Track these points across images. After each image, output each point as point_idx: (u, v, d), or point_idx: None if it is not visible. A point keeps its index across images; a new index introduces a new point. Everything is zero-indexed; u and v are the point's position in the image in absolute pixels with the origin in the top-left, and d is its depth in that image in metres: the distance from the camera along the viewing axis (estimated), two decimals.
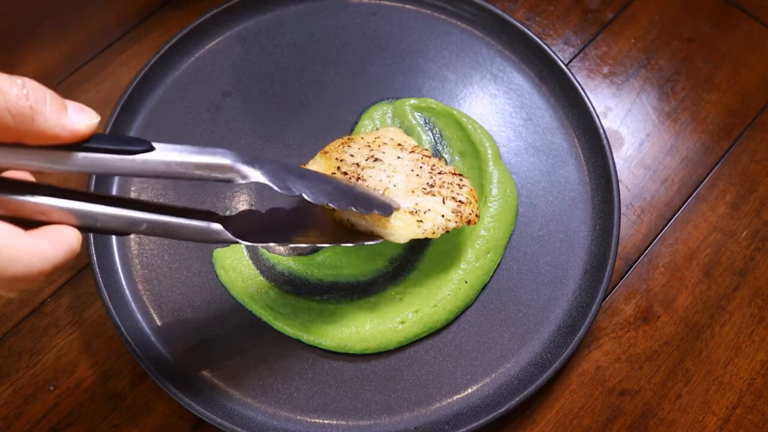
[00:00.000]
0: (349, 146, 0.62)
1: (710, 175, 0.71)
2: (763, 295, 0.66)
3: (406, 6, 0.75)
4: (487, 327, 0.62)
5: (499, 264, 0.64)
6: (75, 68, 0.74)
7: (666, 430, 0.60)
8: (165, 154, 0.40)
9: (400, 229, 0.56)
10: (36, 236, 0.37)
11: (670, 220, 0.69)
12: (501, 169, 0.67)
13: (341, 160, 0.60)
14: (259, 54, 0.73)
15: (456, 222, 0.57)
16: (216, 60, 0.73)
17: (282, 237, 0.51)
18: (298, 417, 0.59)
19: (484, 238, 0.64)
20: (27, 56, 0.74)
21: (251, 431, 0.56)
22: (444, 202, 0.57)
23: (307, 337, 0.60)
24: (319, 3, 0.75)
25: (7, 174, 0.41)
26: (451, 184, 0.59)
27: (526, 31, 0.72)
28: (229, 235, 0.44)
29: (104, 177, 0.66)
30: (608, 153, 0.66)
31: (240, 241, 0.45)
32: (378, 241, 0.56)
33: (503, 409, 0.57)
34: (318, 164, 0.61)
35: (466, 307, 0.62)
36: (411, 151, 0.62)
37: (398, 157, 0.61)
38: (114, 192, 0.67)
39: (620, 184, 0.69)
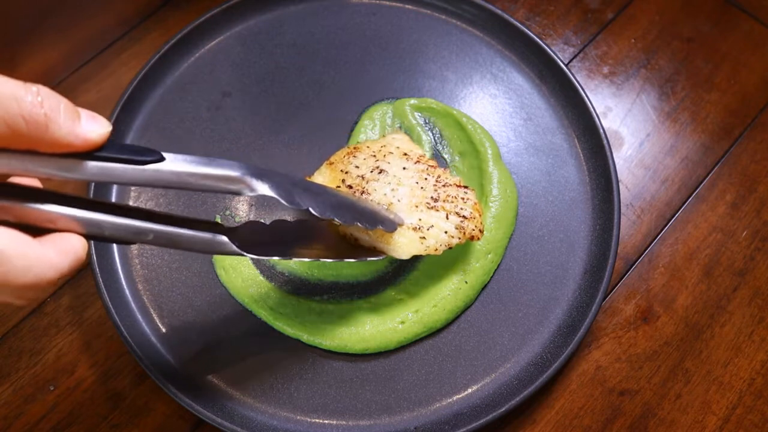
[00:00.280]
0: (354, 156, 0.62)
1: (710, 175, 0.71)
2: (763, 295, 0.66)
3: (406, 6, 0.75)
4: (487, 327, 0.62)
5: (499, 264, 0.64)
6: (75, 68, 0.74)
7: (666, 430, 0.60)
8: (175, 164, 0.40)
9: (403, 246, 0.56)
10: (44, 244, 0.38)
11: (670, 220, 0.69)
12: (501, 169, 0.67)
13: (346, 173, 0.60)
14: (259, 54, 0.73)
15: (459, 238, 0.58)
16: (216, 60, 0.73)
17: (286, 250, 0.51)
18: (298, 417, 0.59)
19: (485, 238, 0.64)
20: (28, 56, 0.74)
21: (251, 431, 0.56)
22: (447, 218, 0.58)
23: (307, 337, 0.60)
24: (319, 3, 0.75)
25: (14, 180, 0.41)
26: (455, 198, 0.59)
27: (526, 31, 0.72)
28: (234, 248, 0.45)
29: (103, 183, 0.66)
30: (608, 153, 0.66)
31: (245, 253, 0.45)
32: (380, 257, 0.57)
33: (503, 409, 0.57)
34: (323, 175, 0.61)
35: (466, 307, 0.62)
36: (416, 161, 0.62)
37: (403, 168, 0.61)
38: (114, 194, 0.67)
39: (620, 184, 0.69)
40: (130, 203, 0.66)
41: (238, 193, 0.43)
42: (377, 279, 0.63)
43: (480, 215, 0.59)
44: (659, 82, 0.76)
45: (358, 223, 0.51)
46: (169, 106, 0.70)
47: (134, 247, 0.64)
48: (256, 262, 0.64)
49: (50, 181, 0.39)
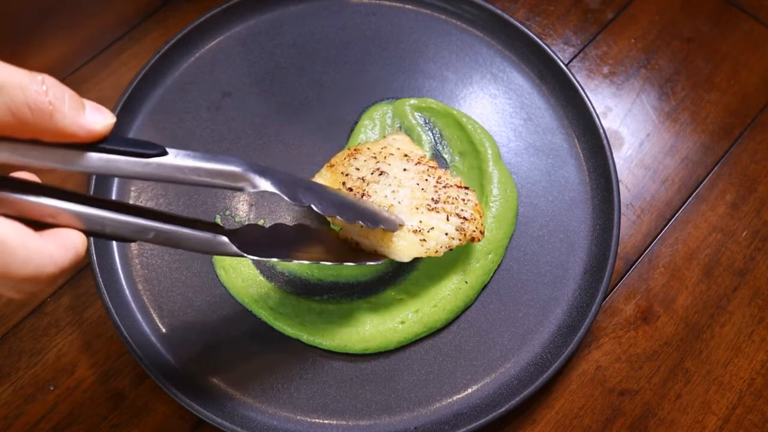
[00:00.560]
0: (355, 158, 0.62)
1: (710, 175, 0.71)
2: (763, 295, 0.66)
3: (406, 6, 0.75)
4: (487, 327, 0.62)
5: (499, 264, 0.64)
6: (75, 68, 0.74)
7: (666, 430, 0.60)
8: (178, 159, 0.41)
9: (404, 248, 0.56)
10: (45, 238, 0.38)
11: (670, 220, 0.69)
12: (501, 169, 0.67)
13: (346, 175, 0.60)
14: (259, 54, 0.73)
15: (459, 240, 0.58)
16: (216, 60, 0.73)
17: (286, 252, 0.51)
18: (298, 417, 0.59)
19: (486, 238, 0.64)
20: (28, 56, 0.74)
21: (251, 431, 0.56)
22: (448, 219, 0.58)
23: (307, 337, 0.60)
24: (319, 3, 0.75)
25: (14, 175, 0.41)
26: (456, 199, 0.59)
27: (526, 31, 0.72)
28: (234, 248, 0.45)
29: (106, 176, 0.66)
30: (608, 153, 0.66)
31: (245, 254, 0.45)
32: (380, 262, 0.57)
33: (503, 409, 0.57)
34: (324, 177, 0.61)
35: (466, 307, 0.62)
36: (417, 163, 0.62)
37: (404, 170, 0.61)
38: (114, 190, 0.67)
39: (620, 184, 0.69)
40: (131, 202, 0.66)
41: (240, 189, 0.42)
42: (377, 279, 0.63)
43: (481, 216, 0.59)
44: (659, 82, 0.76)
45: (360, 222, 0.51)
46: (169, 106, 0.70)
47: (134, 247, 0.64)
48: (256, 263, 0.64)
49: (53, 173, 0.39)
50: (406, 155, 0.63)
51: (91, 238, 0.61)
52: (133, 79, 0.69)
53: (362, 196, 0.58)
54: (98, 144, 0.39)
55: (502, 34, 0.73)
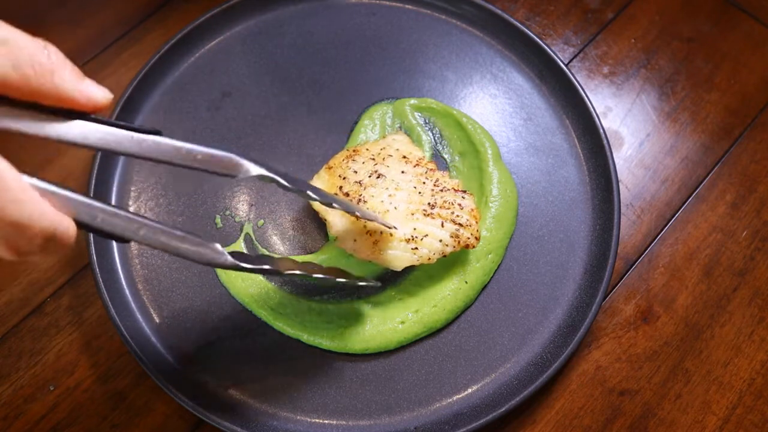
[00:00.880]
0: (353, 160, 0.62)
1: (710, 175, 0.71)
2: (763, 295, 0.66)
3: (406, 6, 0.75)
4: (487, 327, 0.62)
5: (499, 264, 0.64)
6: None
7: (666, 430, 0.60)
8: (174, 141, 0.41)
9: (396, 258, 0.57)
10: (42, 197, 0.37)
11: (670, 220, 0.69)
12: (501, 169, 0.67)
13: (344, 178, 0.60)
14: (259, 54, 0.73)
15: (453, 246, 0.58)
16: (216, 60, 0.73)
17: (279, 265, 0.50)
18: (298, 417, 0.59)
19: (485, 238, 0.64)
20: None
21: (251, 431, 0.56)
22: (443, 226, 0.58)
23: (307, 337, 0.60)
24: (319, 3, 0.75)
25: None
26: (452, 204, 0.59)
27: (526, 31, 0.72)
28: (227, 257, 0.44)
29: (104, 173, 0.66)
30: (608, 153, 0.66)
31: (237, 263, 0.45)
32: (371, 284, 0.58)
33: (503, 409, 0.57)
34: (322, 180, 0.62)
35: (466, 307, 0.62)
36: (416, 165, 0.62)
37: (402, 172, 0.61)
38: (114, 190, 0.67)
39: (620, 184, 0.69)
40: (130, 203, 0.66)
41: (233, 175, 0.42)
42: (377, 279, 0.63)
43: (477, 222, 0.59)
44: (659, 82, 0.76)
45: (357, 213, 0.52)
46: (169, 106, 0.70)
47: (134, 247, 0.64)
48: None
49: (48, 144, 0.39)
50: (405, 157, 0.63)
51: (92, 238, 0.61)
52: (133, 79, 0.69)
53: (358, 202, 0.58)
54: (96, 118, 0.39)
55: (502, 34, 0.73)
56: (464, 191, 0.60)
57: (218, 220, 0.66)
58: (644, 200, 0.70)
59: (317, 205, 0.61)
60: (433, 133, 0.69)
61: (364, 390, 0.60)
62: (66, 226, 0.38)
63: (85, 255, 0.65)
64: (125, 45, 0.76)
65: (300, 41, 0.74)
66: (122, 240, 0.42)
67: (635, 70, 0.76)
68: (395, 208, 0.58)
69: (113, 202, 0.66)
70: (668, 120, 0.74)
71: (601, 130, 0.67)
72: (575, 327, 0.60)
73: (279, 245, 0.65)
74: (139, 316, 0.61)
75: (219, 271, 0.63)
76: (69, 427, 0.59)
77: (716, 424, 0.61)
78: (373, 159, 0.62)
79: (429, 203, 0.59)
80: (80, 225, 0.40)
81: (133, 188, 0.67)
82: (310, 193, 0.47)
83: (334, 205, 0.50)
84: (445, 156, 0.69)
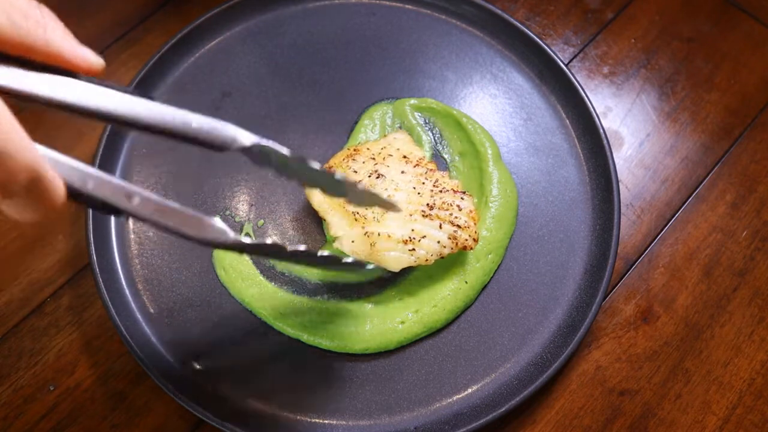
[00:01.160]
0: (353, 159, 0.62)
1: (710, 175, 0.71)
2: (763, 295, 0.66)
3: (406, 6, 0.75)
4: (487, 327, 0.62)
5: (499, 264, 0.64)
6: None
7: (666, 430, 0.60)
8: (169, 106, 0.39)
9: (394, 259, 0.57)
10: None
11: (670, 220, 0.69)
12: (501, 169, 0.67)
13: None
14: (259, 54, 0.73)
15: (451, 248, 0.58)
16: (216, 60, 0.73)
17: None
18: (298, 417, 0.59)
19: (486, 239, 0.64)
20: None
21: (251, 431, 0.56)
22: (441, 227, 0.58)
23: (307, 337, 0.60)
24: (319, 3, 0.75)
25: None
26: (451, 205, 0.59)
27: (526, 31, 0.72)
28: (230, 234, 0.40)
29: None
30: (608, 153, 0.66)
31: (241, 240, 0.41)
32: (373, 266, 0.54)
33: (503, 409, 0.57)
34: None
35: (466, 307, 0.62)
36: (416, 165, 0.62)
37: (402, 172, 0.61)
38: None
39: (620, 184, 0.69)
40: None
41: (225, 147, 0.39)
42: (377, 279, 0.63)
43: (475, 223, 0.59)
44: (659, 82, 0.76)
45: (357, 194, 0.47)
46: None
47: (134, 247, 0.64)
48: (256, 263, 0.64)
49: (37, 103, 0.37)
50: (405, 156, 0.63)
51: (92, 238, 0.61)
52: (134, 79, 0.69)
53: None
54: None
55: (502, 34, 0.73)
56: (464, 192, 0.61)
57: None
58: (644, 200, 0.70)
59: (317, 205, 0.61)
60: (433, 133, 0.69)
61: (364, 390, 0.60)
62: (53, 176, 0.36)
63: (85, 255, 0.65)
64: (125, 45, 0.76)
65: (300, 41, 0.74)
66: (116, 213, 0.39)
67: (635, 70, 0.76)
68: None
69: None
70: (668, 120, 0.74)
71: (601, 130, 0.67)
72: (575, 327, 0.60)
73: None
74: (139, 316, 0.61)
75: (219, 271, 0.63)
76: (69, 427, 0.59)
77: (716, 424, 0.61)
78: (374, 159, 0.62)
79: (428, 204, 0.59)
80: (72, 193, 0.38)
81: (135, 178, 0.67)
82: (308, 162, 0.42)
83: (336, 173, 0.44)
84: (445, 156, 0.69)
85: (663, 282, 0.66)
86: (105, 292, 0.60)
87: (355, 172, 0.61)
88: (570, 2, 0.80)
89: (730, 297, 0.65)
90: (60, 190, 0.37)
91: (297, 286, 0.63)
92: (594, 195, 0.66)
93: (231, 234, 0.40)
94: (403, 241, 0.57)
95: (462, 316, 0.62)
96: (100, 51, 0.75)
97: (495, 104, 0.71)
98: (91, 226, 0.62)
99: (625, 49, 0.77)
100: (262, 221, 0.66)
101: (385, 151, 0.63)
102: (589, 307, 0.61)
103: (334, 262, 0.48)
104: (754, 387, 0.62)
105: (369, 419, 0.58)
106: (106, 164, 0.66)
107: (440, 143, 0.69)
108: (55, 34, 0.37)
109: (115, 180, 0.39)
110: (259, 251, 0.42)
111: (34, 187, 0.35)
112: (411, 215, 0.58)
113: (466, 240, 0.59)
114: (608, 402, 0.61)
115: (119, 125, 0.39)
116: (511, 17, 0.72)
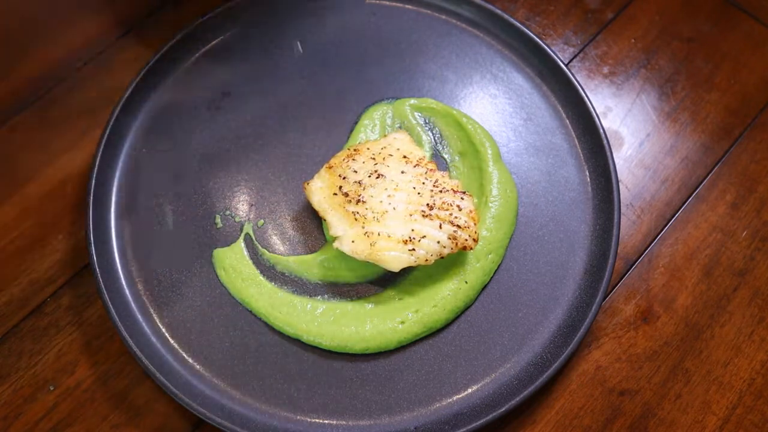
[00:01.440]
0: (353, 159, 0.62)
1: (710, 175, 0.71)
2: (763, 295, 0.66)
3: (406, 6, 0.75)
4: (487, 327, 0.62)
5: (499, 264, 0.64)
6: (76, 68, 0.74)
7: (666, 430, 0.60)
8: None
9: (394, 259, 0.57)
10: None
11: (670, 220, 0.69)
12: (501, 169, 0.67)
13: (344, 178, 0.61)
14: (259, 54, 0.73)
15: (451, 248, 0.58)
16: (216, 60, 0.73)
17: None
18: (298, 417, 0.59)
19: (485, 238, 0.64)
20: (28, 55, 0.74)
21: (251, 431, 0.56)
22: (441, 227, 0.58)
23: (307, 337, 0.60)
24: (319, 3, 0.75)
25: None
26: (451, 205, 0.59)
27: (526, 31, 0.72)
28: None
29: (104, 174, 0.66)
30: (608, 153, 0.66)
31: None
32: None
33: (503, 409, 0.57)
34: (322, 179, 0.62)
35: (466, 307, 0.62)
36: (416, 165, 0.62)
37: (402, 172, 0.61)
38: (114, 189, 0.67)
39: (620, 184, 0.69)
40: (130, 203, 0.66)
41: None
42: (377, 279, 0.63)
43: (475, 224, 0.59)
44: (659, 82, 0.76)
45: None
46: (169, 106, 0.70)
47: (134, 247, 0.64)
48: (256, 262, 0.64)
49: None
50: (405, 156, 0.63)
51: (92, 238, 0.61)
52: (133, 79, 0.69)
53: (357, 202, 0.58)
54: None
55: (502, 34, 0.73)
56: (464, 192, 0.61)
57: (218, 220, 0.66)
58: (644, 200, 0.70)
59: (317, 205, 0.61)
60: (433, 133, 0.69)
61: (364, 390, 0.59)
62: None
63: (85, 255, 0.65)
64: (125, 45, 0.76)
65: (300, 41, 0.74)
66: None
67: (635, 70, 0.76)
68: (394, 208, 0.58)
69: (113, 203, 0.66)
70: (668, 120, 0.74)
71: (601, 130, 0.67)
72: (575, 327, 0.60)
73: (279, 245, 0.65)
74: (139, 316, 0.61)
75: (219, 271, 0.63)
76: (69, 427, 0.59)
77: (716, 424, 0.61)
78: (374, 158, 0.62)
79: (428, 204, 0.59)
80: None
81: (133, 188, 0.67)
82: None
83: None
84: (445, 156, 0.69)
85: (663, 282, 0.66)
86: (105, 292, 0.60)
87: (356, 171, 0.61)
88: (570, 2, 0.80)
89: (730, 297, 0.65)
90: None
91: (297, 286, 0.63)
92: (594, 195, 0.66)
93: None
94: (403, 241, 0.57)
95: (462, 316, 0.62)
96: (101, 51, 0.75)
97: (495, 104, 0.71)
98: (91, 226, 0.62)
99: (625, 49, 0.77)
100: (262, 221, 0.66)
101: (385, 151, 0.63)
102: (589, 307, 0.61)
103: None
104: (754, 387, 0.62)
105: (369, 419, 0.58)
106: (106, 164, 0.66)
107: (440, 143, 0.69)
108: None
109: None
110: None
111: None
112: (411, 215, 0.58)
113: (466, 240, 0.59)
114: (608, 402, 0.61)
115: None
116: (511, 17, 0.72)
